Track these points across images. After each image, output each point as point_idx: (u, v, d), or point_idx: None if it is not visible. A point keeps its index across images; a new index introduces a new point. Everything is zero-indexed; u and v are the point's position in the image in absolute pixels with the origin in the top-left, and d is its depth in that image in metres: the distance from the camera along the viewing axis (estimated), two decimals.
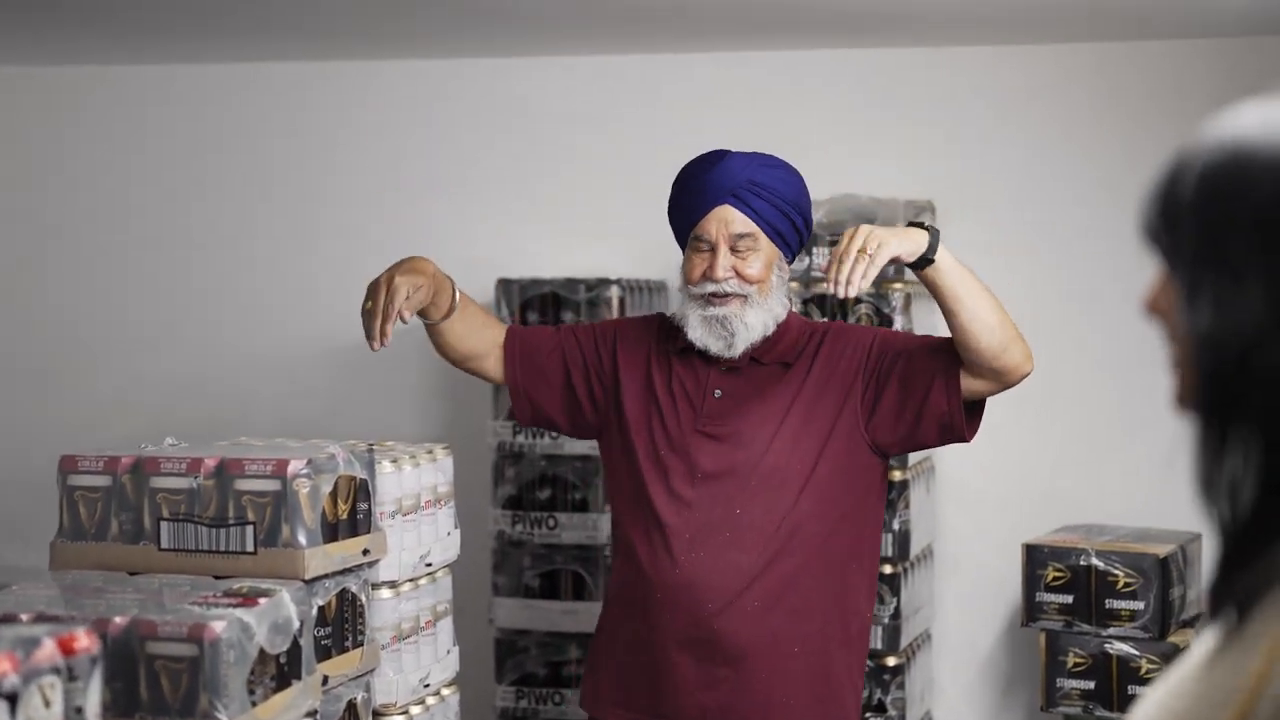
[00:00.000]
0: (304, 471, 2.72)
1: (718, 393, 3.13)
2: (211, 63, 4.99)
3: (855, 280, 2.85)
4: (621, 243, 4.62)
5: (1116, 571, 4.07)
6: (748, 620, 3.06)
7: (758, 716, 3.08)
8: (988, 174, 4.61)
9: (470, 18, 4.26)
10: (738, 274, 3.06)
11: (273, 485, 2.70)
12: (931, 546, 4.60)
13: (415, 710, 3.09)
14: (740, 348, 3.09)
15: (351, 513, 2.87)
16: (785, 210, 3.09)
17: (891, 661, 4.24)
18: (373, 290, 3.08)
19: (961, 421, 3.07)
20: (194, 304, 5.06)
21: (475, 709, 4.30)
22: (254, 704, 2.40)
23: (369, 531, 2.93)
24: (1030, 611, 4.16)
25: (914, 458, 4.33)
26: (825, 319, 4.30)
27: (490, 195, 4.88)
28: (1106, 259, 4.55)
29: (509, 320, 4.44)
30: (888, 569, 4.25)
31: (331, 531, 2.79)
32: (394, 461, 3.06)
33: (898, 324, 4.26)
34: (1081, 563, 4.11)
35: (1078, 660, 4.10)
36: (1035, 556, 4.16)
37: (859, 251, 2.85)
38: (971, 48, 4.59)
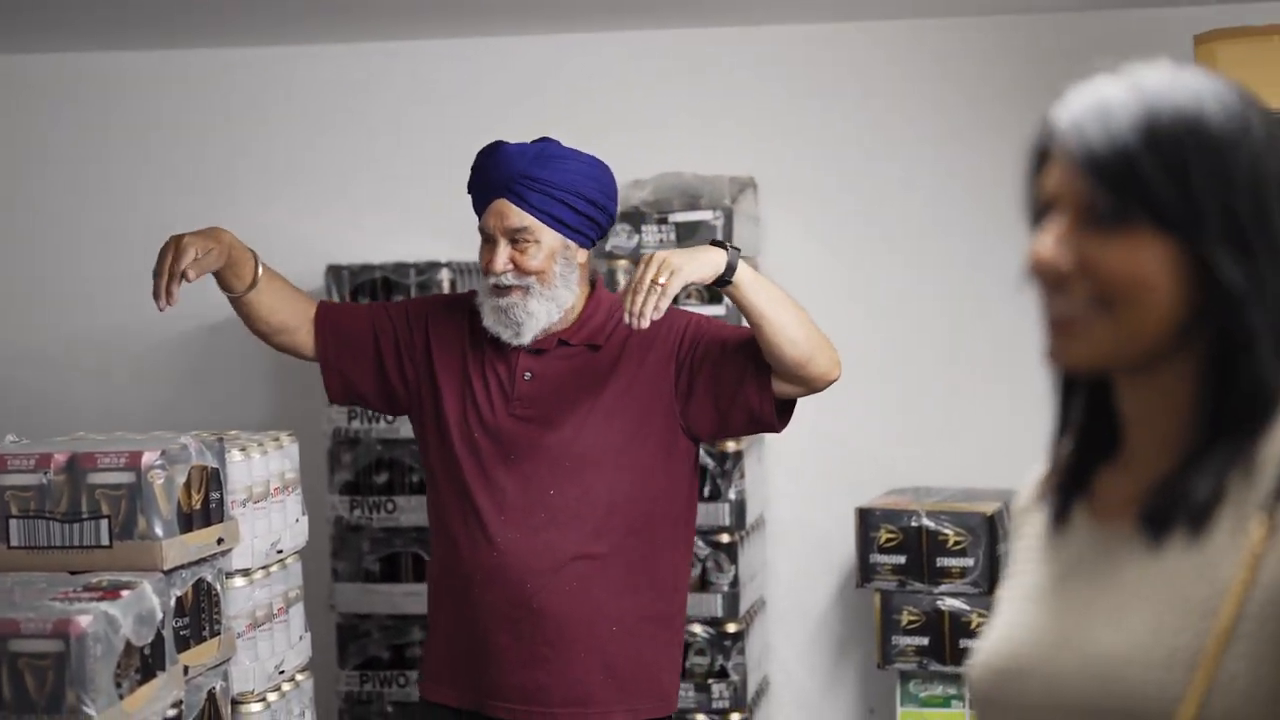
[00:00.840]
0: (158, 463, 2.71)
1: (528, 375, 3.15)
2: (23, 53, 4.90)
3: (648, 313, 2.88)
4: (451, 227, 4.63)
5: (946, 531, 4.20)
6: (565, 599, 3.09)
7: (578, 694, 3.11)
8: (809, 151, 4.70)
9: (299, 5, 4.24)
10: (516, 266, 3.08)
11: (127, 477, 2.69)
12: (764, 515, 4.70)
13: (272, 697, 3.10)
14: (527, 336, 3.11)
15: (205, 502, 2.86)
16: (564, 199, 3.09)
17: (732, 628, 4.33)
18: (162, 252, 3.06)
19: (772, 416, 3.11)
20: (12, 297, 4.97)
21: (319, 694, 4.28)
22: (121, 697, 2.40)
23: (222, 520, 2.92)
24: (865, 573, 4.27)
25: None
26: None
27: (319, 182, 4.86)
28: (926, 232, 4.67)
29: None
30: (725, 538, 4.33)
31: (186, 522, 2.79)
32: (243, 450, 3.06)
33: (727, 299, 4.33)
34: (913, 524, 4.23)
35: (911, 618, 4.23)
36: (868, 520, 4.27)
37: (651, 282, 2.88)
38: (794, 26, 4.67)
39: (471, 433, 3.14)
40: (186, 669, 2.72)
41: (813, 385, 3.07)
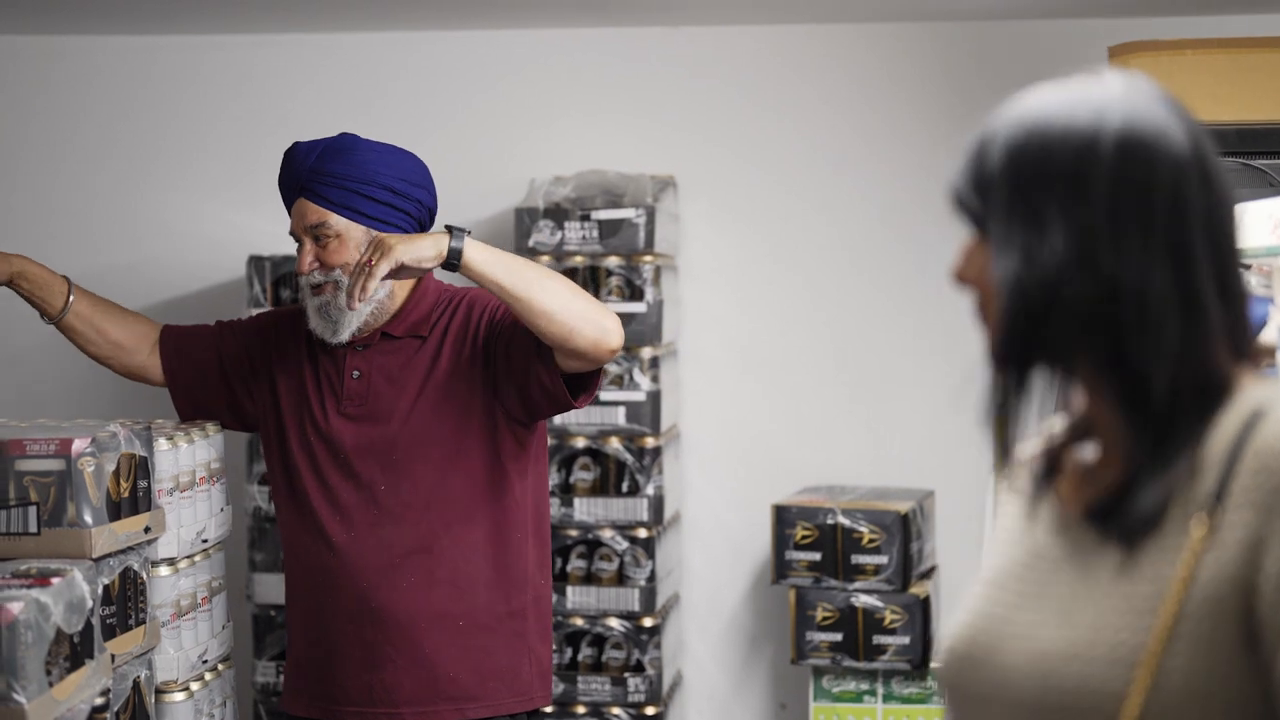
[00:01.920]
0: (88, 450, 2.71)
1: (356, 373, 3.13)
2: None
3: (355, 294, 2.90)
4: None
5: (861, 528, 4.27)
6: (406, 596, 3.07)
7: (425, 693, 3.09)
8: (728, 150, 4.75)
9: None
10: (322, 263, 3.07)
11: (57, 465, 2.69)
12: (680, 511, 4.75)
13: (195, 686, 3.11)
14: (345, 333, 3.09)
15: (133, 490, 2.87)
16: (359, 190, 3.06)
17: (648, 622, 4.38)
18: None
19: (564, 394, 3.03)
20: None
21: (235, 684, 4.28)
22: (51, 685, 2.40)
23: (149, 509, 2.93)
24: (780, 569, 4.33)
25: (663, 424, 4.47)
26: None
27: (238, 173, 4.85)
28: (839, 232, 4.74)
29: (263, 297, 4.44)
30: (642, 533, 4.38)
31: (115, 510, 2.79)
32: (170, 439, 3.06)
33: (648, 295, 4.38)
34: (828, 521, 4.29)
35: (826, 614, 4.29)
36: (784, 517, 4.33)
37: (362, 265, 2.90)
38: (716, 27, 4.72)
39: (308, 439, 3.13)
40: (113, 657, 2.73)
41: (587, 357, 2.96)
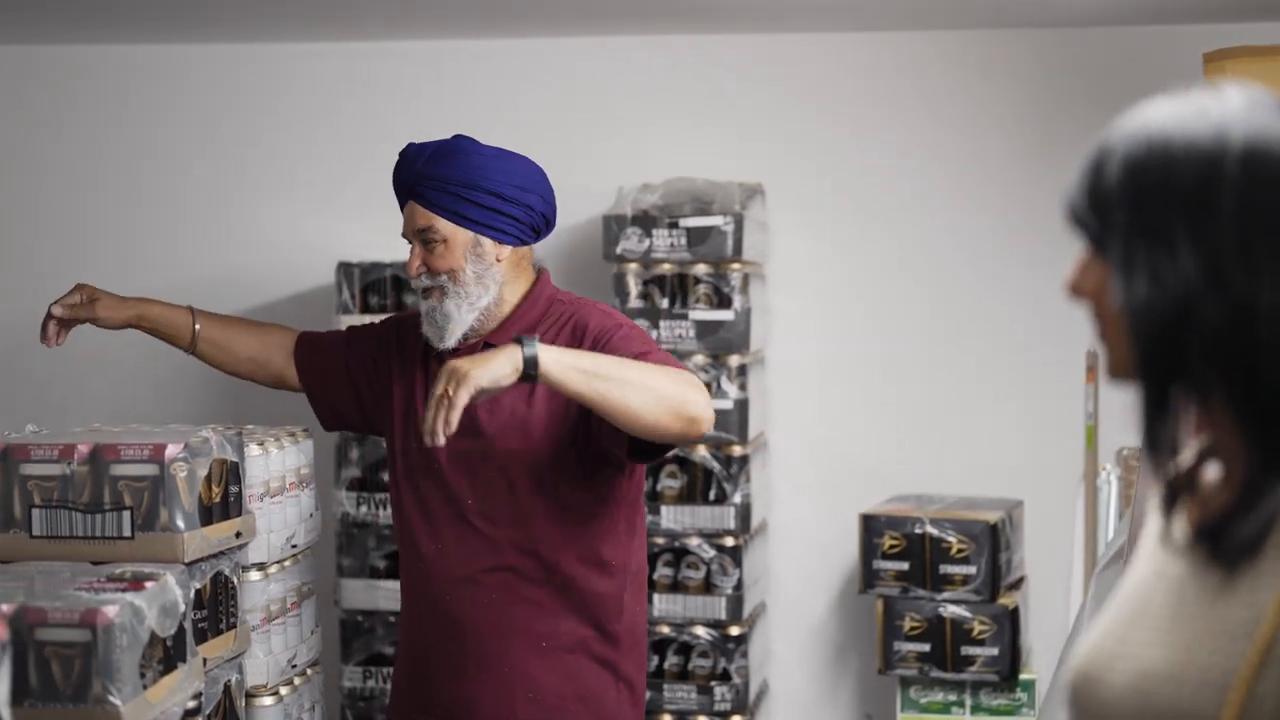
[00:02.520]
0: (181, 455, 2.73)
1: None
2: (39, 44, 4.92)
3: (438, 429, 2.72)
4: None
5: (949, 538, 4.24)
6: (489, 611, 3.02)
7: (504, 709, 3.04)
8: (817, 158, 4.74)
9: (307, 3, 4.27)
10: (429, 268, 3.04)
11: (150, 469, 2.71)
12: (767, 519, 4.73)
13: (284, 690, 3.13)
14: (450, 339, 3.04)
15: (224, 496, 2.89)
16: (464, 194, 3.01)
17: (735, 631, 4.37)
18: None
19: (623, 459, 2.96)
20: (24, 291, 4.98)
21: (323, 689, 4.31)
22: (145, 688, 2.42)
23: (240, 514, 2.95)
24: (867, 579, 4.31)
25: (751, 432, 4.45)
26: (666, 299, 4.40)
27: (329, 179, 4.88)
28: (933, 239, 4.71)
29: (351, 304, 4.46)
30: (730, 541, 4.37)
31: (207, 515, 2.81)
32: (261, 444, 3.08)
33: (736, 303, 4.37)
34: (916, 531, 4.26)
35: (914, 624, 4.26)
36: (872, 526, 4.31)
37: (439, 397, 2.72)
38: (807, 34, 4.71)
39: (410, 446, 3.10)
40: (205, 661, 2.75)
41: (677, 444, 2.91)
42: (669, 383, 2.79)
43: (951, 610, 4.24)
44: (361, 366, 3.22)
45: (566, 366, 2.75)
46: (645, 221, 4.42)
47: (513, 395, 2.99)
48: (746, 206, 4.45)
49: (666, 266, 4.42)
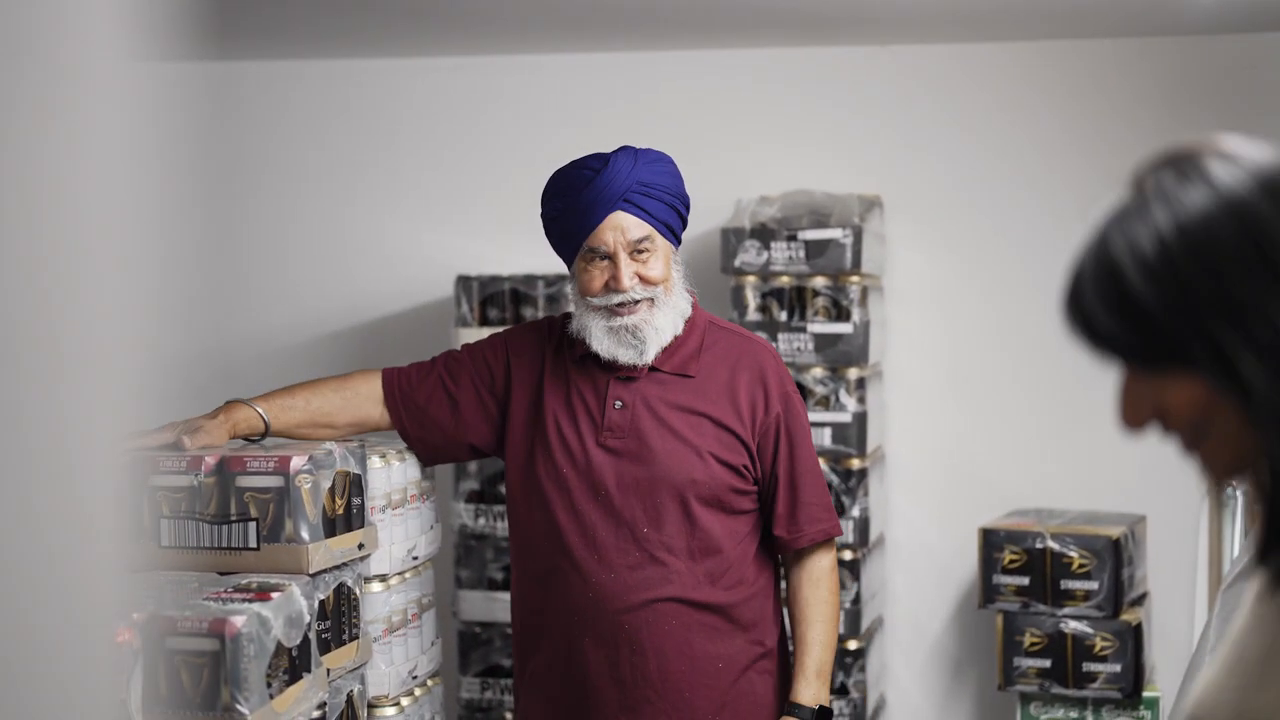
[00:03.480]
0: (306, 468, 2.76)
1: (618, 404, 3.06)
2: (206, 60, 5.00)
3: None
4: None
5: (1071, 553, 4.19)
6: (665, 639, 3.02)
7: None
8: (935, 170, 4.71)
9: (425, 17, 4.30)
10: (641, 279, 3.01)
11: (275, 481, 2.75)
12: (884, 534, 4.71)
13: (405, 701, 3.15)
14: (652, 354, 3.03)
15: (347, 508, 2.91)
16: (672, 204, 3.04)
17: (853, 645, 4.34)
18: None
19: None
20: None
21: (443, 700, 4.34)
22: (271, 697, 2.45)
23: (362, 526, 2.97)
24: (987, 593, 4.27)
25: (869, 445, 4.43)
26: (784, 312, 4.38)
27: (449, 193, 4.92)
28: (1052, 252, 4.65)
29: (470, 317, 4.49)
30: (848, 555, 4.34)
31: (330, 526, 2.84)
32: (383, 457, 3.11)
33: (855, 315, 4.35)
34: (1037, 545, 4.22)
35: (1034, 640, 4.22)
36: (992, 540, 4.27)
37: None
38: (920, 45, 4.68)
39: (559, 469, 3.05)
40: (329, 671, 2.77)
41: None
42: (839, 608, 3.18)
43: (1073, 626, 4.19)
44: (471, 394, 3.15)
45: (824, 683, 3.09)
46: (763, 234, 4.41)
47: (680, 417, 3.05)
48: (865, 219, 4.43)
49: (785, 279, 4.41)
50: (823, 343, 4.36)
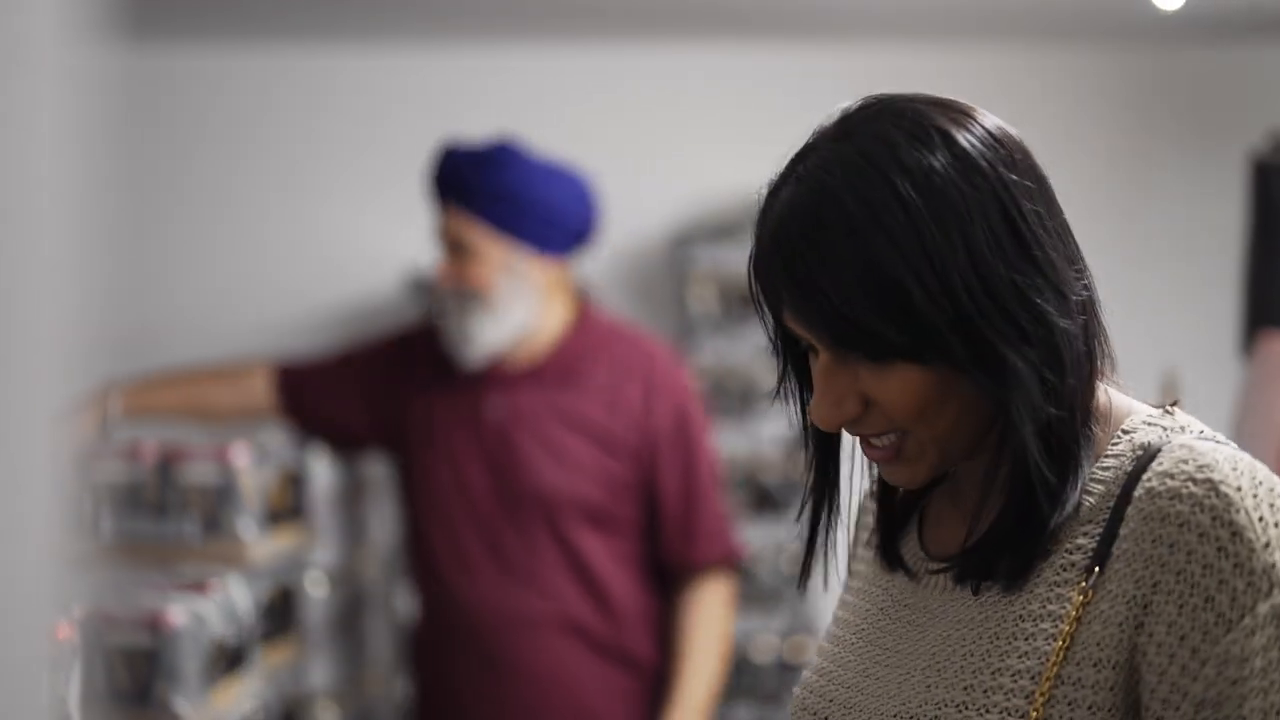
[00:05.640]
0: (248, 461, 2.73)
1: (493, 411, 2.87)
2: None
3: None
4: None
5: None
6: (536, 662, 2.85)
7: None
8: None
9: (363, 2, 4.27)
10: (460, 279, 2.83)
11: (217, 474, 2.71)
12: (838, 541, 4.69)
13: (345, 698, 3.12)
14: (474, 357, 2.84)
15: (290, 503, 2.88)
16: (509, 203, 2.82)
17: (798, 656, 4.33)
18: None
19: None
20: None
21: (383, 698, 4.31)
22: (208, 692, 2.41)
23: (306, 521, 2.94)
24: None
25: None
26: (737, 314, 4.36)
27: (385, 182, 4.88)
28: None
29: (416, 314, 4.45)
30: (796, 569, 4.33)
31: (272, 521, 2.80)
32: (329, 452, 3.08)
33: None
34: None
35: None
36: None
37: None
38: (878, 44, 4.66)
39: (431, 478, 2.88)
40: (267, 668, 2.74)
41: None
42: (728, 641, 2.96)
43: None
44: (360, 394, 2.97)
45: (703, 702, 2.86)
46: (715, 235, 4.39)
47: (560, 427, 2.85)
48: None
49: (736, 280, 4.39)
50: None
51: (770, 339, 1.33)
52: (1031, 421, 1.20)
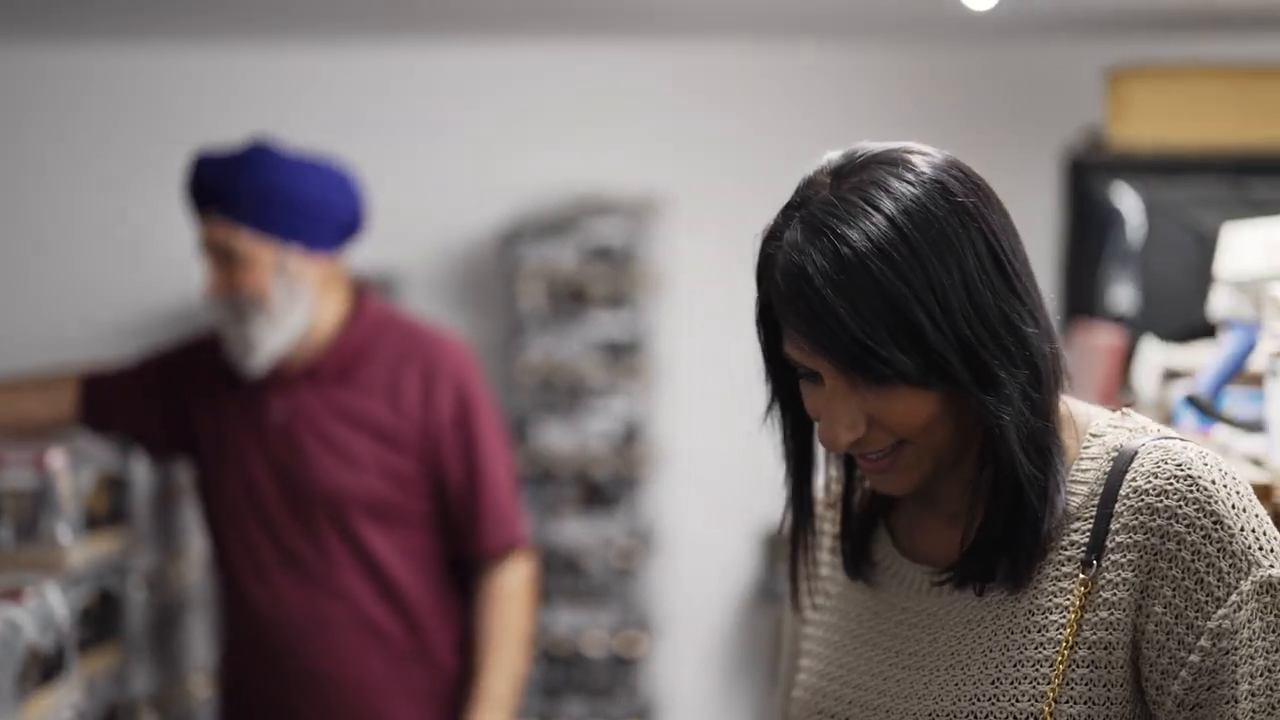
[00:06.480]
0: (65, 464, 2.67)
1: (278, 413, 2.81)
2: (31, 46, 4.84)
3: None
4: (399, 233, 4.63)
5: None
6: (334, 664, 2.80)
7: None
8: (721, 168, 4.73)
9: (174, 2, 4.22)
10: (230, 288, 2.74)
11: (32, 478, 2.65)
12: (666, 535, 4.72)
13: (167, 704, 3.07)
14: (256, 364, 2.76)
15: (109, 507, 2.82)
16: (267, 203, 2.73)
17: (633, 644, 4.34)
18: None
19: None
20: None
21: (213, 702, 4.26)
22: (21, 702, 2.36)
23: (126, 525, 2.89)
24: (767, 592, 4.30)
25: (651, 445, 4.43)
26: (565, 310, 4.36)
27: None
28: None
29: None
30: (629, 555, 4.35)
31: (90, 526, 2.75)
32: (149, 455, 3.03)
33: (637, 314, 4.34)
34: None
35: None
36: (773, 539, 4.30)
37: None
38: (705, 43, 4.70)
39: (223, 484, 2.81)
40: (86, 675, 2.69)
41: None
42: (526, 631, 2.88)
43: None
44: (155, 403, 2.89)
45: (505, 698, 2.81)
46: (544, 231, 4.39)
47: (343, 425, 2.79)
48: (649, 218, 4.44)
49: (565, 277, 4.39)
50: (604, 340, 4.36)
51: (766, 366, 1.47)
52: (1018, 433, 1.33)
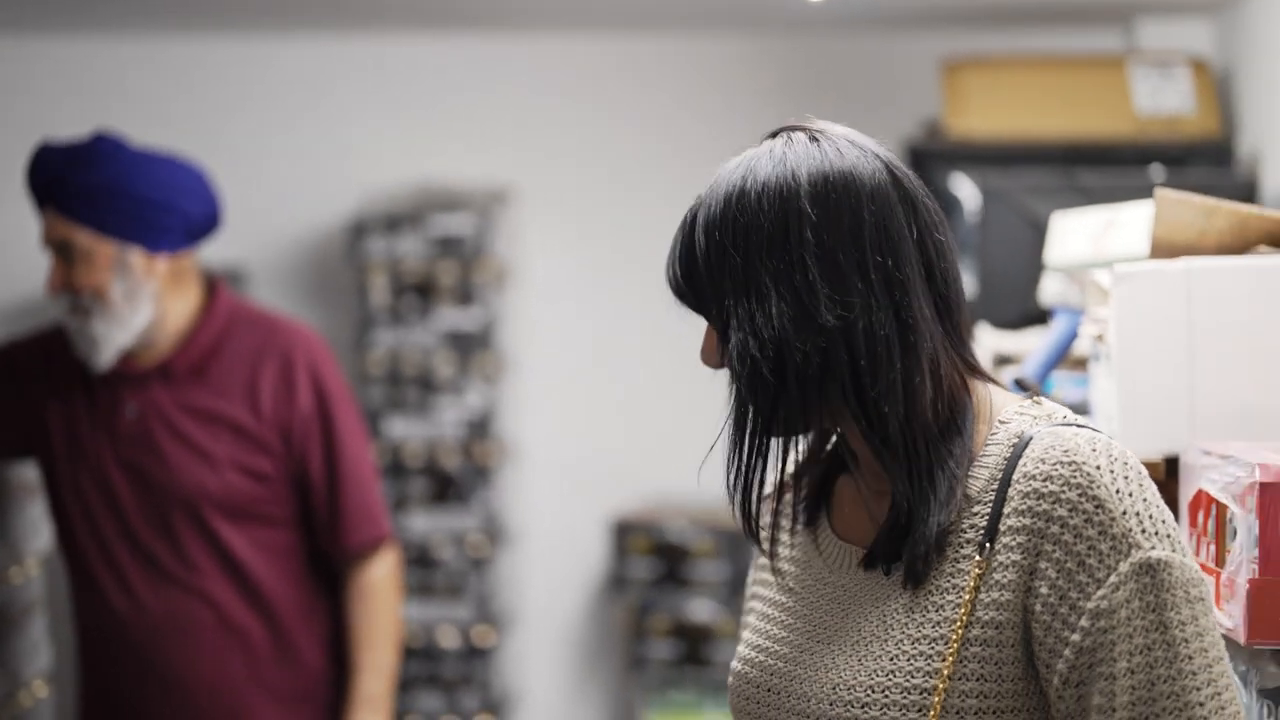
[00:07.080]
0: None
1: (131, 412, 2.75)
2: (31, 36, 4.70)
3: None
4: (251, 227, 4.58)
5: (698, 541, 4.28)
6: (193, 667, 2.74)
7: None
8: (571, 162, 4.74)
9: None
10: (69, 285, 2.67)
11: None
12: (517, 525, 4.73)
13: (7, 709, 3.03)
14: (101, 362, 2.69)
15: None
16: (108, 201, 2.66)
17: (484, 636, 4.35)
18: None
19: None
20: None
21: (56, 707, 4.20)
22: None
23: None
24: (618, 582, 4.33)
25: (501, 437, 4.44)
26: (413, 303, 4.35)
27: None
28: (670, 241, 4.74)
29: None
30: (479, 547, 4.35)
31: None
32: None
33: (484, 306, 4.35)
34: (666, 534, 4.30)
35: (664, 626, 4.30)
36: (623, 530, 4.33)
37: None
38: (557, 36, 4.71)
39: (78, 483, 2.73)
40: None
41: None
42: (397, 626, 2.86)
43: (701, 612, 4.28)
44: (7, 390, 2.81)
45: (386, 695, 2.80)
46: (391, 224, 4.38)
47: (196, 422, 2.74)
48: (496, 210, 4.44)
49: (413, 270, 4.39)
50: (452, 333, 4.37)
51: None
52: (899, 425, 1.40)
